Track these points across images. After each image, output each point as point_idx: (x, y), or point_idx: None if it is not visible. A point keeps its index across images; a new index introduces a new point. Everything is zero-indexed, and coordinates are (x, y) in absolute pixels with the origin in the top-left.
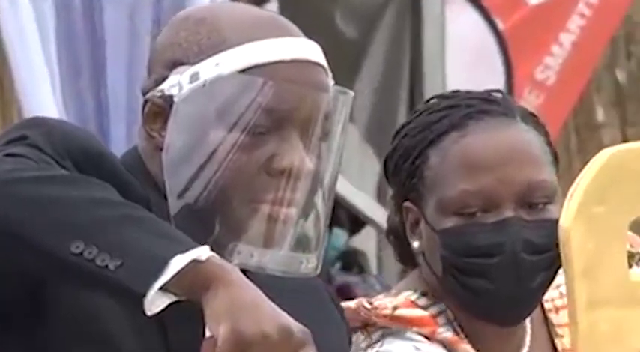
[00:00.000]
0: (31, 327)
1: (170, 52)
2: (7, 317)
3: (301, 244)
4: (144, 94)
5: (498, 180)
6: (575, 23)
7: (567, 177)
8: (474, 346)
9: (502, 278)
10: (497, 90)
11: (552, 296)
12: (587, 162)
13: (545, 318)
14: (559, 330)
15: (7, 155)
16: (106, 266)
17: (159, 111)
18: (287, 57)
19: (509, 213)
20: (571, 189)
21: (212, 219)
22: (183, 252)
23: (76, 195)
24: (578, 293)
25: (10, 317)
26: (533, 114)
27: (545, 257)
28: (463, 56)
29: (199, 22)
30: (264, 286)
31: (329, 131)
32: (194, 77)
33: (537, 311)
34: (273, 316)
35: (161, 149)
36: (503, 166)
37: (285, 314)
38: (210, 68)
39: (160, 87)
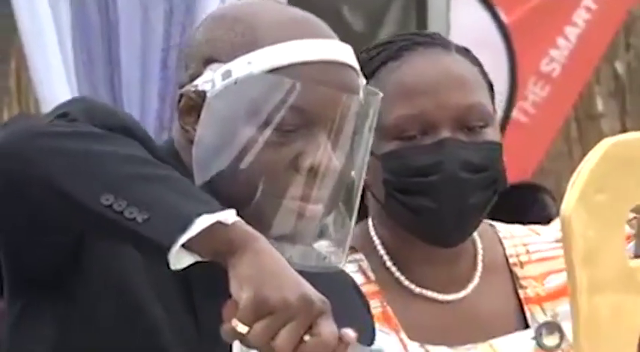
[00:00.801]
0: (67, 287)
1: (205, 49)
2: (46, 277)
3: (327, 239)
4: (180, 88)
5: (435, 104)
6: (580, 17)
7: (568, 166)
8: (417, 284)
9: (442, 195)
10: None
11: (518, 252)
12: (587, 151)
13: (510, 272)
14: (523, 282)
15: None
16: (134, 218)
17: (193, 106)
18: (317, 57)
19: (446, 134)
20: (572, 178)
21: (238, 213)
22: (209, 212)
23: (109, 151)
24: (579, 279)
25: (48, 276)
26: (467, 49)
27: (483, 176)
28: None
29: (234, 21)
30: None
31: (357, 131)
32: (226, 74)
33: (501, 261)
34: (296, 284)
35: (193, 142)
36: (439, 90)
37: (307, 284)
38: (242, 66)
39: (195, 82)
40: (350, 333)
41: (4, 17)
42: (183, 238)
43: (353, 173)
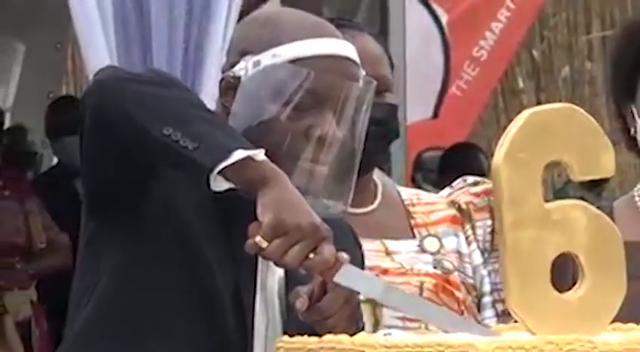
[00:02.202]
0: (134, 207)
1: (242, 43)
2: (119, 198)
3: (330, 193)
4: (222, 73)
5: None
6: (503, 14)
7: (496, 131)
8: None
9: None
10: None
11: (411, 198)
12: (511, 119)
13: (405, 209)
14: (414, 215)
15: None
16: (187, 146)
17: (230, 87)
18: (327, 52)
19: None
20: (500, 140)
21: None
22: (244, 149)
23: (174, 95)
24: (506, 217)
25: (121, 198)
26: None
27: (384, 128)
28: (416, 41)
29: (265, 22)
30: None
31: (356, 110)
32: (257, 63)
33: (398, 200)
34: (308, 214)
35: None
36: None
37: (315, 214)
38: (269, 58)
39: (233, 69)
40: (344, 255)
41: (62, 8)
42: (223, 164)
43: (353, 143)
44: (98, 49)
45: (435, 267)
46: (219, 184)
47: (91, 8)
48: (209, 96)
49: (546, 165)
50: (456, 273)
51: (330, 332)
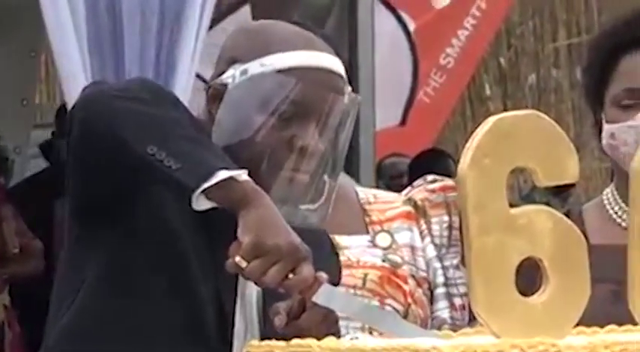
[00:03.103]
0: (120, 217)
1: (230, 52)
2: (105, 209)
3: (308, 202)
4: (210, 81)
5: None
6: (469, 22)
7: (463, 136)
8: None
9: None
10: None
11: (368, 197)
12: (477, 125)
13: (361, 207)
14: (369, 213)
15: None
16: (170, 166)
17: (217, 95)
18: (314, 64)
19: None
20: (467, 145)
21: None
22: (227, 169)
23: (160, 113)
24: (471, 222)
25: (107, 209)
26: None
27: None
28: (384, 48)
29: (256, 32)
30: None
31: (340, 123)
32: (244, 72)
33: (354, 199)
34: (288, 234)
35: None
36: None
37: (295, 235)
38: (257, 67)
39: (221, 77)
40: (323, 275)
41: (36, 17)
42: (205, 185)
43: (335, 154)
44: (71, 57)
45: (383, 261)
46: (202, 203)
47: (65, 16)
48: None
49: (512, 171)
50: (405, 267)
51: None
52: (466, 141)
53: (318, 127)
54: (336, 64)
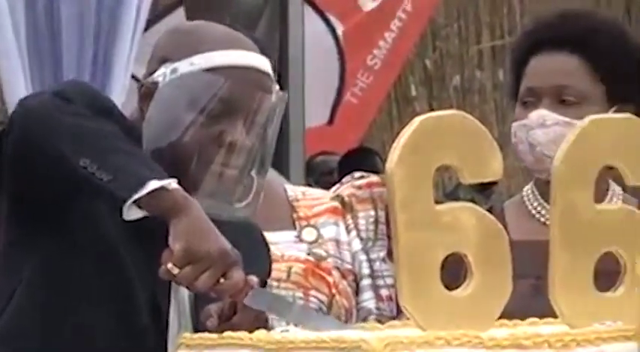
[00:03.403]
0: (57, 226)
1: (162, 52)
2: (42, 217)
3: (238, 196)
4: (142, 80)
5: None
6: (395, 25)
7: (390, 135)
8: None
9: None
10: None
11: (296, 194)
12: (404, 124)
13: (289, 204)
14: (297, 209)
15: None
16: (102, 178)
17: (148, 93)
18: (242, 63)
19: None
20: (394, 144)
21: (176, 175)
22: (158, 179)
23: (93, 128)
24: (398, 218)
25: (45, 216)
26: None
27: None
28: (313, 50)
29: (187, 32)
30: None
31: (268, 120)
32: (174, 71)
33: (282, 196)
34: (218, 241)
35: None
36: None
37: (225, 240)
38: (187, 65)
39: (152, 76)
40: (254, 279)
41: None
42: (136, 195)
43: (262, 150)
44: (10, 59)
45: (308, 254)
46: (133, 213)
47: (4, 18)
48: (118, 103)
49: (437, 169)
50: (330, 259)
51: None
52: (393, 140)
53: (246, 124)
54: (263, 63)
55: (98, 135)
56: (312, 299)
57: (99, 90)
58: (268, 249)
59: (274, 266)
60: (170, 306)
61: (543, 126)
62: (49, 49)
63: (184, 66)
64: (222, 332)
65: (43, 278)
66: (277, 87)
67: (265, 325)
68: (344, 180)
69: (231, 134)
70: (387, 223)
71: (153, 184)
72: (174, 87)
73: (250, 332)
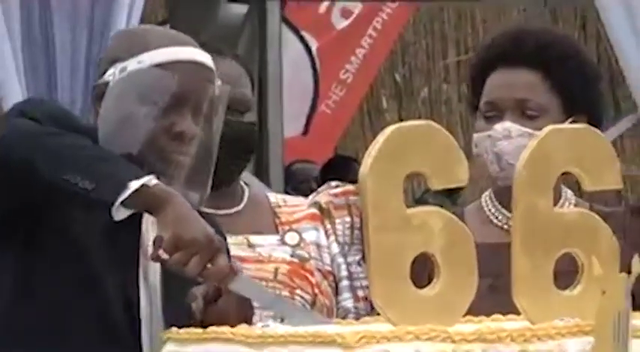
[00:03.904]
0: (27, 231)
1: (112, 53)
2: (13, 223)
3: (190, 185)
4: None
5: None
6: (366, 42)
7: (363, 144)
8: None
9: None
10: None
11: (278, 201)
12: (376, 134)
13: (272, 210)
14: (279, 215)
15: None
16: (86, 188)
17: (100, 93)
18: (186, 58)
19: None
20: (367, 153)
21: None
22: (137, 178)
23: (68, 143)
24: (371, 221)
25: (16, 223)
26: (237, 55)
27: (246, 144)
28: (290, 67)
29: (132, 34)
30: None
31: (212, 110)
32: (123, 70)
33: (266, 203)
34: (203, 228)
35: None
36: None
37: (209, 227)
38: (135, 63)
39: (104, 77)
40: (238, 264)
41: None
42: (121, 197)
43: (209, 139)
44: (7, 72)
45: (292, 256)
46: (121, 213)
47: (2, 34)
48: None
49: (407, 175)
50: (312, 261)
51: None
52: (366, 148)
53: (194, 115)
54: (207, 58)
55: (75, 150)
56: (297, 298)
57: (59, 106)
58: (226, 242)
59: (261, 266)
60: (140, 299)
61: (509, 138)
62: (44, 62)
63: (132, 64)
64: (207, 316)
65: (12, 284)
66: (219, 81)
67: (250, 310)
68: (320, 188)
69: (180, 124)
70: (361, 228)
71: (134, 184)
72: (124, 84)
73: (237, 322)
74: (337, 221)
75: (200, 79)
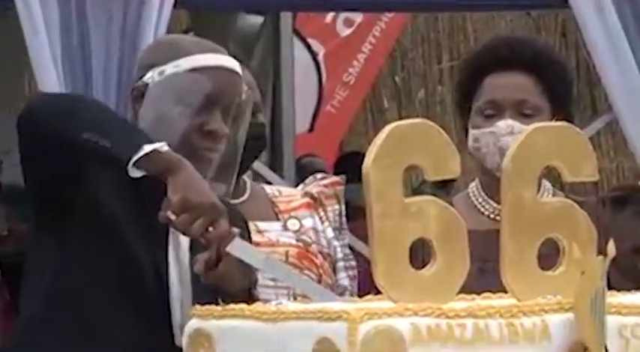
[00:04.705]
0: (67, 207)
1: (149, 59)
2: (53, 210)
3: (216, 176)
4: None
5: None
6: (366, 48)
7: (366, 140)
8: None
9: None
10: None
11: (274, 192)
12: (378, 131)
13: (269, 200)
14: (277, 204)
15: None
16: (105, 145)
17: (140, 95)
18: (218, 64)
19: None
20: (370, 148)
21: None
22: (151, 143)
23: (87, 105)
24: (374, 209)
25: (54, 210)
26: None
27: (259, 142)
28: (298, 71)
29: (169, 42)
30: None
31: (239, 113)
32: (161, 73)
33: (264, 194)
34: (208, 194)
35: None
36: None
37: (214, 194)
38: (172, 68)
39: (142, 79)
40: (235, 230)
41: (22, 45)
42: (135, 157)
43: (236, 138)
44: (49, 75)
45: (297, 241)
46: (135, 173)
47: (44, 46)
48: None
49: (406, 168)
50: (314, 245)
51: (227, 291)
52: (369, 144)
53: (224, 116)
54: (236, 65)
55: (93, 111)
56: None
57: (104, 103)
58: (249, 232)
59: (272, 249)
60: (169, 268)
61: (512, 134)
62: (80, 68)
63: (170, 68)
64: (210, 278)
65: (56, 261)
66: (246, 87)
67: (252, 275)
68: (307, 180)
69: (211, 124)
70: (347, 216)
71: (147, 147)
72: (162, 87)
73: (238, 284)
74: (328, 209)
75: (230, 83)
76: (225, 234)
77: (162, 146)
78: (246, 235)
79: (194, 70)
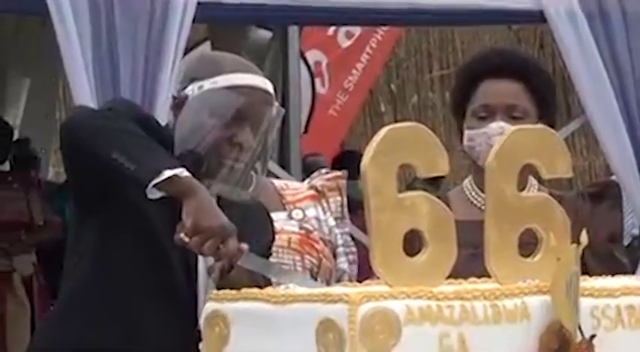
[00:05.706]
0: (103, 207)
1: (192, 73)
2: (91, 201)
3: (241, 184)
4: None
5: None
6: (364, 57)
7: (365, 141)
8: None
9: None
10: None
11: (282, 186)
12: (375, 133)
13: (278, 193)
14: (285, 196)
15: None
16: (129, 168)
17: (180, 104)
18: (251, 83)
19: None
20: (367, 148)
21: (199, 165)
22: (171, 168)
23: (119, 127)
24: (371, 203)
25: (93, 200)
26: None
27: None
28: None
29: (210, 59)
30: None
31: (269, 129)
32: (200, 87)
33: (272, 188)
34: (218, 217)
35: None
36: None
37: (224, 217)
38: (210, 83)
39: (184, 90)
40: (244, 246)
41: (56, 52)
42: (155, 181)
43: (264, 151)
44: (81, 81)
45: (300, 228)
46: (154, 194)
47: (77, 55)
48: (162, 115)
49: (400, 166)
50: (315, 232)
51: None
52: (367, 145)
53: (253, 130)
54: (267, 85)
55: (123, 134)
56: (306, 262)
57: (139, 105)
58: (272, 222)
59: (277, 236)
60: (198, 262)
61: (502, 134)
62: (110, 77)
63: (208, 83)
64: (224, 283)
65: (94, 252)
66: (277, 103)
67: (262, 280)
68: (313, 175)
69: (240, 137)
70: (349, 207)
71: (167, 173)
72: (200, 99)
73: (260, 287)
74: (331, 200)
75: (260, 101)
76: (234, 251)
77: (183, 171)
78: (269, 220)
79: (229, 87)
